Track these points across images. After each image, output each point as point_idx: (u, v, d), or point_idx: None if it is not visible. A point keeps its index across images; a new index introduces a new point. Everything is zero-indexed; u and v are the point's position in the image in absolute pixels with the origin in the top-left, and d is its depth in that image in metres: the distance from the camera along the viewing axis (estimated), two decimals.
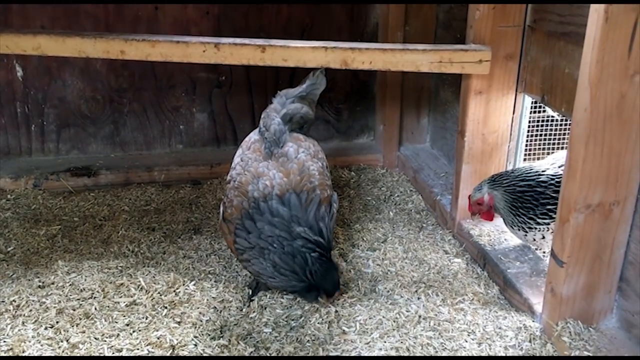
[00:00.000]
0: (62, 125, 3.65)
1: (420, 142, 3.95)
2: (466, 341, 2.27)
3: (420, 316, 2.41)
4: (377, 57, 2.68)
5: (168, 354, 2.20)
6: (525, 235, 2.57)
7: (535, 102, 2.89)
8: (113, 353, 2.20)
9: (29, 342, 2.24)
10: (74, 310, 2.41)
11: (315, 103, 2.85)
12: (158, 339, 2.27)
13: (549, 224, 2.47)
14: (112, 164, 3.62)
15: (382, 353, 2.21)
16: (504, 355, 2.20)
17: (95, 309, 2.42)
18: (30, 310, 2.41)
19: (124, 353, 2.20)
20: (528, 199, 2.51)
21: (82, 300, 2.47)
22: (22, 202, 3.30)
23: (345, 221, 3.19)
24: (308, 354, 2.22)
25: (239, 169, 2.54)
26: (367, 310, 2.45)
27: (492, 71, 2.71)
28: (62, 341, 2.25)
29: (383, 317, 2.40)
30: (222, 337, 2.29)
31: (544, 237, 2.52)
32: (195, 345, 2.24)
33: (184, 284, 2.58)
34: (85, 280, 2.59)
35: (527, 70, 2.73)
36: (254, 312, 2.44)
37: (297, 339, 2.29)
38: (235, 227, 2.39)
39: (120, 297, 2.50)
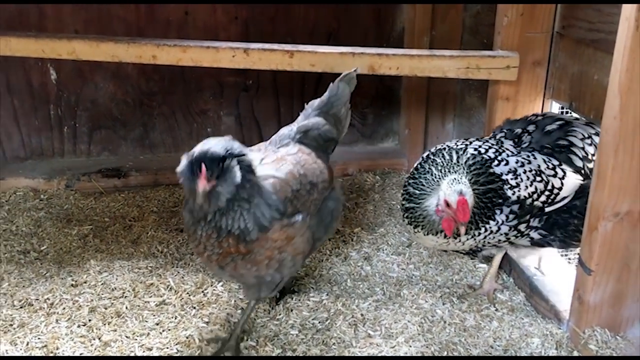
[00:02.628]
0: (94, 128, 3.74)
1: None
2: (492, 347, 2.28)
3: (445, 322, 2.42)
4: (404, 63, 2.71)
5: (197, 354, 2.25)
6: (448, 243, 2.36)
7: (563, 109, 2.88)
8: (144, 352, 2.26)
9: (63, 339, 2.31)
10: (106, 308, 2.48)
11: (341, 122, 2.59)
12: (187, 338, 2.32)
13: (486, 225, 2.31)
14: (141, 166, 3.70)
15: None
16: None
17: (126, 307, 2.48)
18: (64, 308, 2.48)
19: (154, 352, 2.26)
20: (487, 202, 2.30)
21: (114, 299, 2.54)
22: (54, 202, 3.39)
23: (369, 225, 3.21)
24: (335, 355, 2.25)
25: None
26: (392, 314, 2.47)
27: (520, 77, 2.72)
28: (94, 339, 2.32)
29: (408, 321, 2.42)
30: (250, 338, 2.33)
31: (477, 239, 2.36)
32: None
33: (211, 285, 2.63)
34: (117, 279, 2.66)
35: (555, 76, 2.73)
36: (280, 314, 2.47)
37: (323, 341, 2.32)
38: None
39: (150, 296, 2.56)
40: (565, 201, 2.38)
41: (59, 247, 2.95)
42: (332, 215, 2.41)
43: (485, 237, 2.36)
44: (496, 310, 2.49)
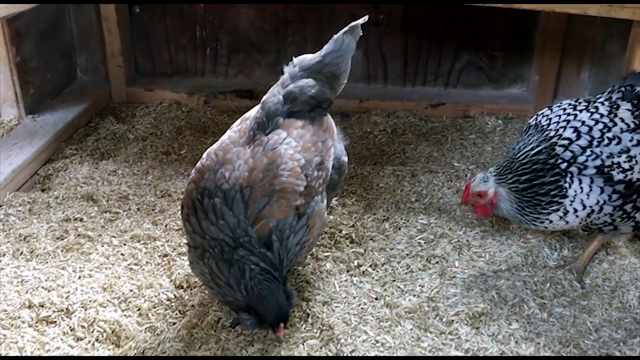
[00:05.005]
0: (233, 51, 4.02)
1: (578, 97, 3.78)
2: (598, 286, 2.28)
3: (552, 259, 2.43)
4: None
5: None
6: (537, 226, 2.25)
7: None
8: None
9: None
10: None
11: (338, 79, 2.16)
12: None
13: (558, 209, 2.16)
14: None
15: (509, 283, 2.28)
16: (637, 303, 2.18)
17: None
18: None
19: None
20: (531, 196, 2.19)
21: None
22: (194, 115, 3.74)
23: (485, 165, 3.22)
24: (436, 272, 2.35)
25: (215, 147, 2.08)
26: (498, 244, 2.52)
27: None
28: None
29: (514, 252, 2.46)
30: (360, 245, 2.50)
31: (563, 219, 2.19)
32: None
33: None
34: None
35: None
36: (388, 230, 2.61)
37: (427, 258, 2.44)
38: (184, 219, 2.03)
39: None
40: None
41: (195, 153, 3.28)
42: (339, 160, 2.24)
43: (588, 215, 2.16)
44: (607, 254, 2.45)
